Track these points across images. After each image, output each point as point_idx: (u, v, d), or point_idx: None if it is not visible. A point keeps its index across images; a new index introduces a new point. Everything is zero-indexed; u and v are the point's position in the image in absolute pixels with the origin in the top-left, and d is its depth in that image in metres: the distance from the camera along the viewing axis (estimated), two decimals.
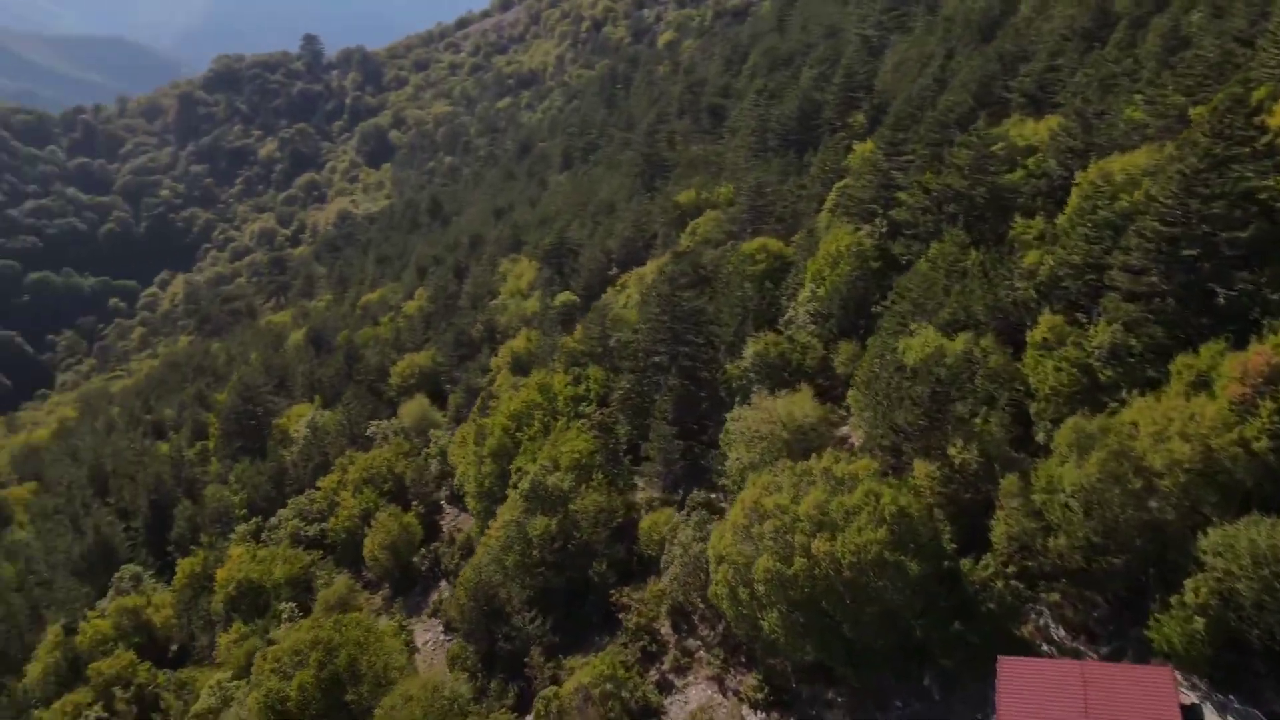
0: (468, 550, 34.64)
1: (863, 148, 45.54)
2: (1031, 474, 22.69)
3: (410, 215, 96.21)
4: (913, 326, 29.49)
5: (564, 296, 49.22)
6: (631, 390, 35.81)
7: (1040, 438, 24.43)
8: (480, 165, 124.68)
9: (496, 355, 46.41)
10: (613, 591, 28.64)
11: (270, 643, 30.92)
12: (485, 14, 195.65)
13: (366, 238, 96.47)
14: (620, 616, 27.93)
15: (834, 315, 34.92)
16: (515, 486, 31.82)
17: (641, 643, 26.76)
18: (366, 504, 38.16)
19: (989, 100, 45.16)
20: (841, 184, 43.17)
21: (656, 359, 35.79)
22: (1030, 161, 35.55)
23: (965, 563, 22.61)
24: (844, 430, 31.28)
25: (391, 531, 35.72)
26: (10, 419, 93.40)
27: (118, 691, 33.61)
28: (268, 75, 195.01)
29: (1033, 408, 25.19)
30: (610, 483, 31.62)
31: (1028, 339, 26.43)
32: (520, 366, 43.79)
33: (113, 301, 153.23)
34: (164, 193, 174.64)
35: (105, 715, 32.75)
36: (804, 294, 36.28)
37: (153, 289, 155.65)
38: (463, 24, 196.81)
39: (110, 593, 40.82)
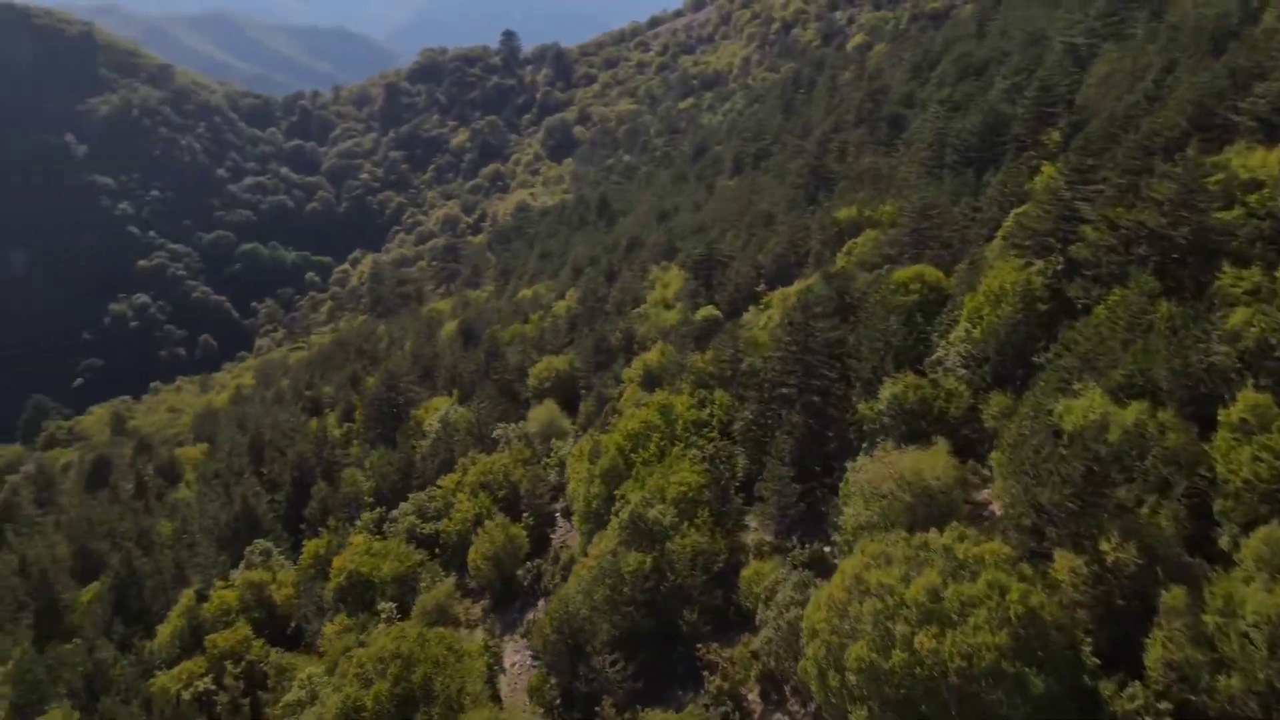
0: (568, 571, 33.37)
1: (1050, 170, 40.79)
2: (1206, 589, 18.56)
3: (579, 212, 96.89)
4: (1077, 386, 25.40)
5: (706, 311, 47.09)
6: (754, 422, 33.35)
7: (1223, 543, 20.02)
8: (655, 165, 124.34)
9: (630, 366, 44.97)
10: (700, 645, 26.40)
11: (363, 643, 30.82)
12: (678, 13, 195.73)
13: (535, 231, 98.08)
14: (705, 675, 25.68)
15: (989, 360, 30.99)
16: (617, 515, 30.17)
17: (724, 708, 24.41)
18: (479, 509, 37.67)
19: (1208, 124, 39.02)
20: (1019, 210, 38.72)
21: (784, 390, 33.16)
22: (1254, 198, 30.03)
23: (1108, 685, 18.74)
24: (985, 493, 27.62)
25: (496, 541, 34.97)
26: (205, 380, 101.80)
27: (229, 665, 34.71)
28: (466, 69, 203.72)
29: (1217, 504, 20.75)
30: (717, 522, 29.33)
31: (1221, 417, 21.84)
32: (651, 381, 42.10)
33: (309, 275, 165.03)
34: (364, 176, 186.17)
35: (214, 688, 33.85)
36: (957, 333, 32.47)
37: (345, 266, 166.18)
38: (655, 23, 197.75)
39: (242, 564, 42.55)
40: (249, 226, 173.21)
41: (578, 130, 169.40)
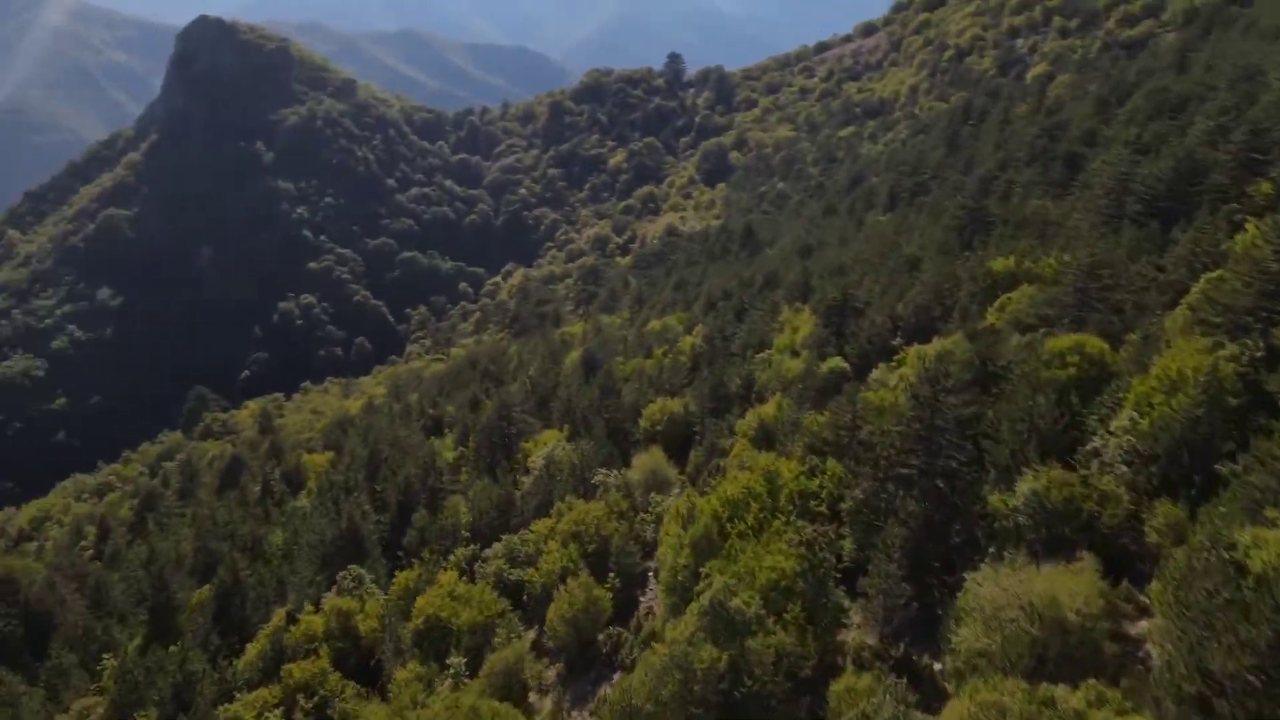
0: (648, 645, 30.48)
1: (1256, 230, 34.71)
2: None
3: (722, 241, 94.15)
4: (1271, 513, 20.44)
5: (833, 362, 43.25)
6: (866, 502, 29.50)
7: None
8: (807, 195, 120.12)
9: (744, 418, 41.74)
10: None
11: (423, 704, 29.05)
12: (847, 39, 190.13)
13: (674, 259, 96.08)
14: None
15: (1158, 460, 25.96)
16: (699, 596, 27.08)
17: None
18: (567, 562, 35.41)
19: None
20: (1212, 276, 33.02)
21: (903, 470, 29.14)
22: None
23: None
24: (1140, 626, 22.80)
25: (577, 602, 32.53)
26: (348, 384, 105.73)
27: (301, 699, 33.87)
28: (629, 90, 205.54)
29: None
30: (810, 618, 25.73)
31: None
32: (765, 437, 38.77)
33: (462, 285, 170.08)
34: (522, 191, 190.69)
35: None
36: (1120, 421, 27.46)
37: (496, 279, 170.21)
38: (822, 48, 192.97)
39: (334, 589, 42.09)
40: (410, 235, 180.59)
41: (734, 155, 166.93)
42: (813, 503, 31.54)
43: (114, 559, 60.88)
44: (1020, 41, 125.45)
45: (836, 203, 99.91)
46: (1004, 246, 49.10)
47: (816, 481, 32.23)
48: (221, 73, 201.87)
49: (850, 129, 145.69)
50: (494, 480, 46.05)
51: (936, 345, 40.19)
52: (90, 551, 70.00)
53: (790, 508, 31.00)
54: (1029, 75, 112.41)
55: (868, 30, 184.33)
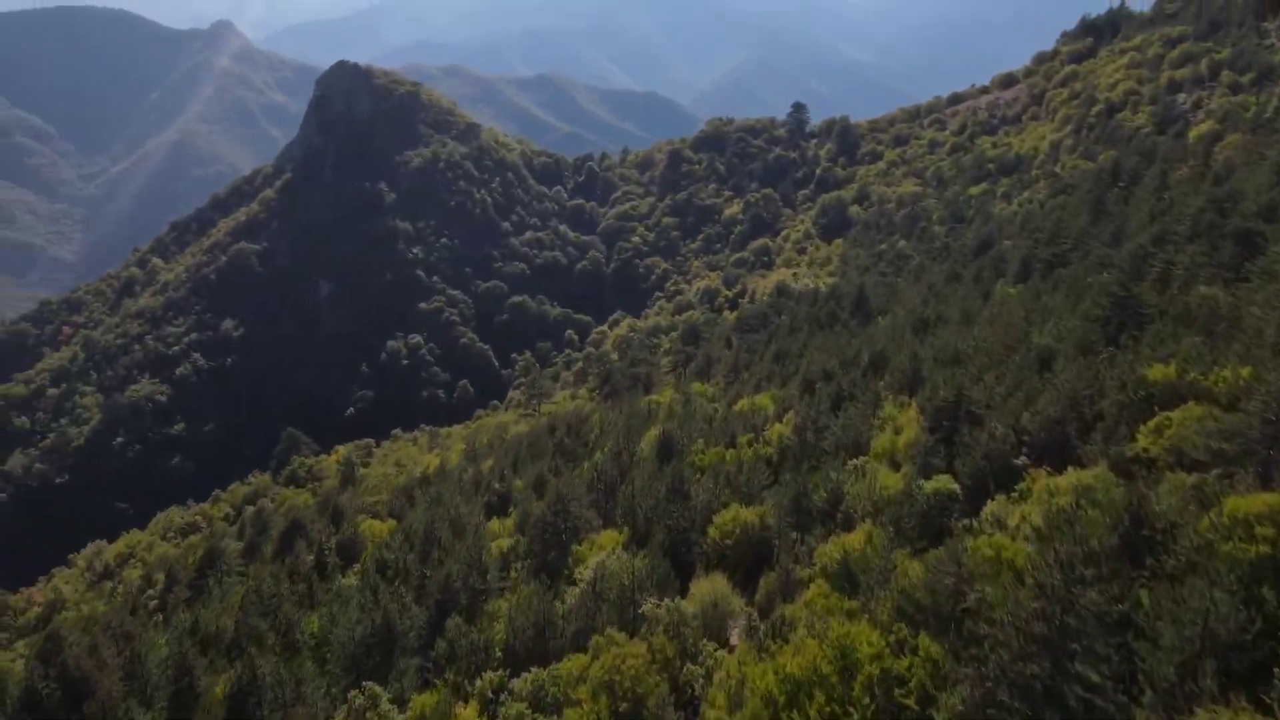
0: None
1: None
2: None
3: (831, 305, 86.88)
4: None
5: (939, 482, 35.84)
6: (976, 708, 22.41)
7: None
8: (930, 257, 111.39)
9: (826, 543, 34.90)
10: None
11: None
12: (983, 90, 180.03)
13: (777, 325, 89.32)
14: None
15: None
16: None
17: None
18: None
19: None
20: None
21: (1029, 669, 22.00)
22: None
23: None
24: None
25: None
26: (433, 435, 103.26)
27: None
28: (749, 139, 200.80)
29: None
30: None
31: None
32: (848, 578, 31.86)
33: (568, 333, 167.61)
34: (635, 239, 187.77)
35: None
36: None
37: (603, 328, 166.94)
38: (955, 100, 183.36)
39: (345, 709, 37.27)
40: (521, 279, 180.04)
41: (853, 210, 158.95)
42: (898, 692, 24.62)
43: (167, 621, 58.49)
44: (1182, 96, 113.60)
45: (961, 268, 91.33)
46: (1161, 347, 40.65)
47: (905, 663, 25.28)
48: (354, 116, 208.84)
49: (982, 186, 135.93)
50: (541, 586, 40.52)
51: (1072, 477, 32.42)
52: (155, 602, 68.47)
53: (867, 700, 24.14)
54: (1191, 134, 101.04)
55: (1006, 82, 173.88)
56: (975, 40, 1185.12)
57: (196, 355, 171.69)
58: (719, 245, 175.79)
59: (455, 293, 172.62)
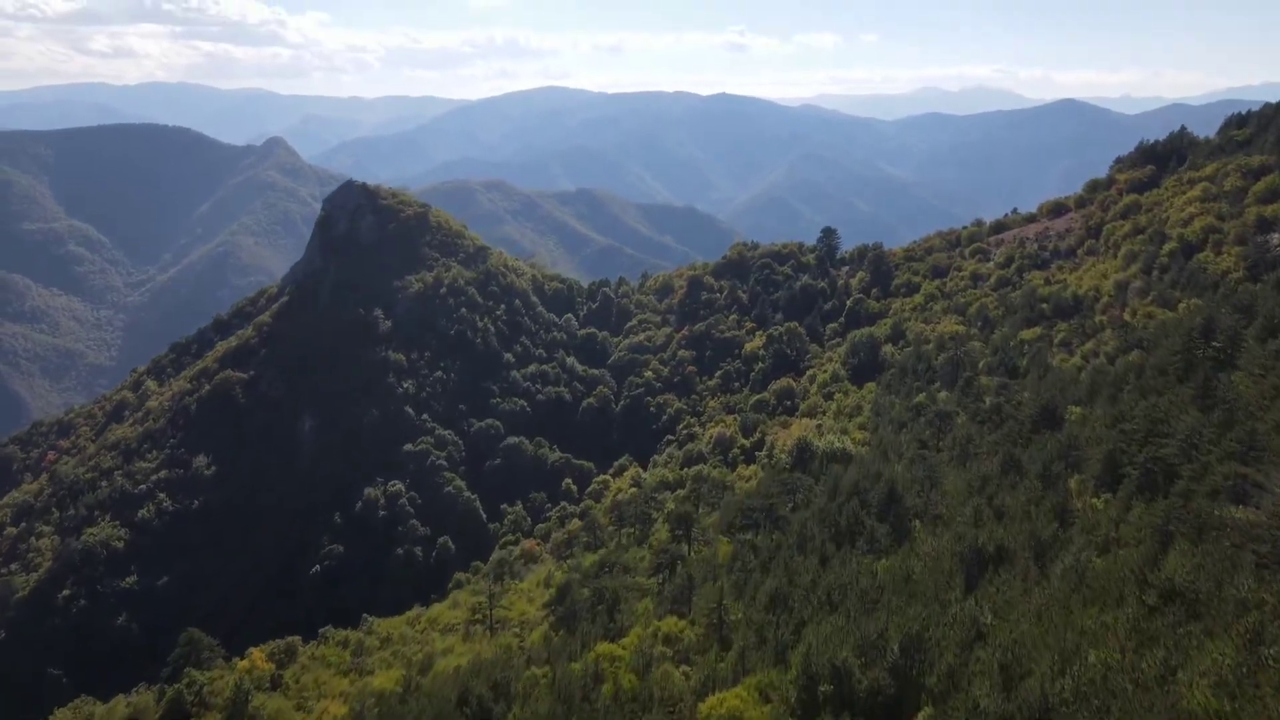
0: None
1: None
2: None
3: (852, 508, 67.87)
4: None
5: None
6: None
7: None
8: (978, 420, 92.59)
9: None
10: None
11: None
12: (1030, 218, 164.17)
13: (788, 528, 70.37)
14: None
15: None
16: None
17: None
18: None
19: None
20: None
21: None
22: None
23: None
24: None
25: None
26: (359, 646, 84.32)
27: None
28: (776, 266, 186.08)
29: None
30: None
31: None
32: None
33: (565, 482, 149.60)
34: (648, 374, 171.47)
35: None
36: None
37: (606, 476, 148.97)
38: (999, 228, 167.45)
39: None
40: (520, 417, 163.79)
41: (887, 349, 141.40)
42: None
43: None
44: (1276, 237, 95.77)
45: (1020, 449, 72.61)
46: None
47: None
48: (358, 236, 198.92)
49: (1035, 330, 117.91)
50: None
51: None
52: None
53: None
54: None
55: (1056, 210, 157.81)
56: (1014, 161, 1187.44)
57: (163, 496, 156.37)
58: (738, 383, 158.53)
59: (445, 433, 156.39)
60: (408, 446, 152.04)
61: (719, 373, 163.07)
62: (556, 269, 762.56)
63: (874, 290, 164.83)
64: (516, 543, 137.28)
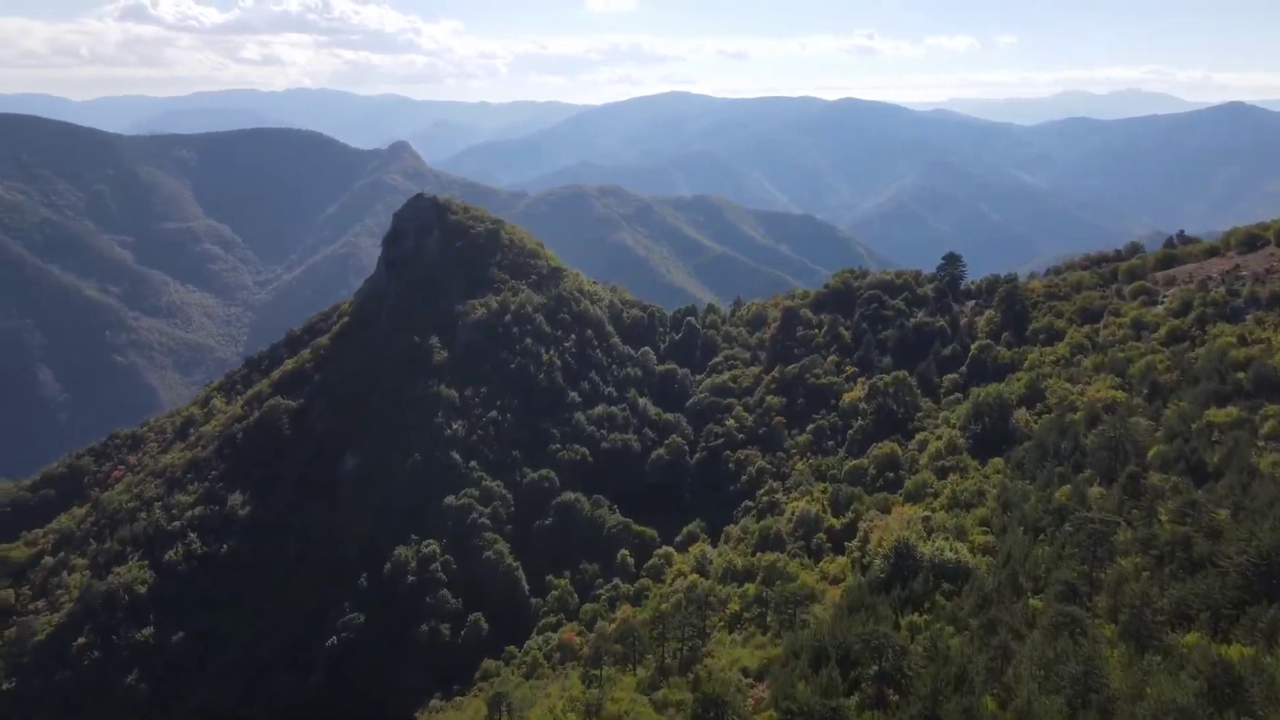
0: None
1: None
2: None
3: (963, 707, 43.91)
4: None
5: None
6: None
7: None
8: (1154, 559, 65.95)
9: None
10: None
11: None
12: (1210, 251, 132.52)
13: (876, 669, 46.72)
14: None
15: None
16: None
17: None
18: None
19: None
20: None
21: None
22: None
23: None
24: None
25: None
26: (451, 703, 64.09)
27: None
28: (886, 299, 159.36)
29: None
30: None
31: None
32: None
33: (621, 554, 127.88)
34: (730, 422, 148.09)
35: None
36: None
37: (668, 549, 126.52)
38: (1168, 260, 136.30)
39: None
40: (579, 469, 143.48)
41: (1020, 415, 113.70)
42: None
43: None
44: None
45: (1240, 635, 47.17)
46: None
47: None
48: (424, 254, 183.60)
49: (1230, 411, 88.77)
50: None
51: None
52: None
53: None
54: None
55: (1249, 242, 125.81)
56: (1169, 171, 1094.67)
57: (193, 537, 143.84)
58: (832, 441, 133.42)
59: (493, 484, 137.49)
60: (449, 499, 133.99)
61: (811, 426, 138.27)
62: (669, 275, 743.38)
63: (1005, 335, 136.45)
64: (557, 625, 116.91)
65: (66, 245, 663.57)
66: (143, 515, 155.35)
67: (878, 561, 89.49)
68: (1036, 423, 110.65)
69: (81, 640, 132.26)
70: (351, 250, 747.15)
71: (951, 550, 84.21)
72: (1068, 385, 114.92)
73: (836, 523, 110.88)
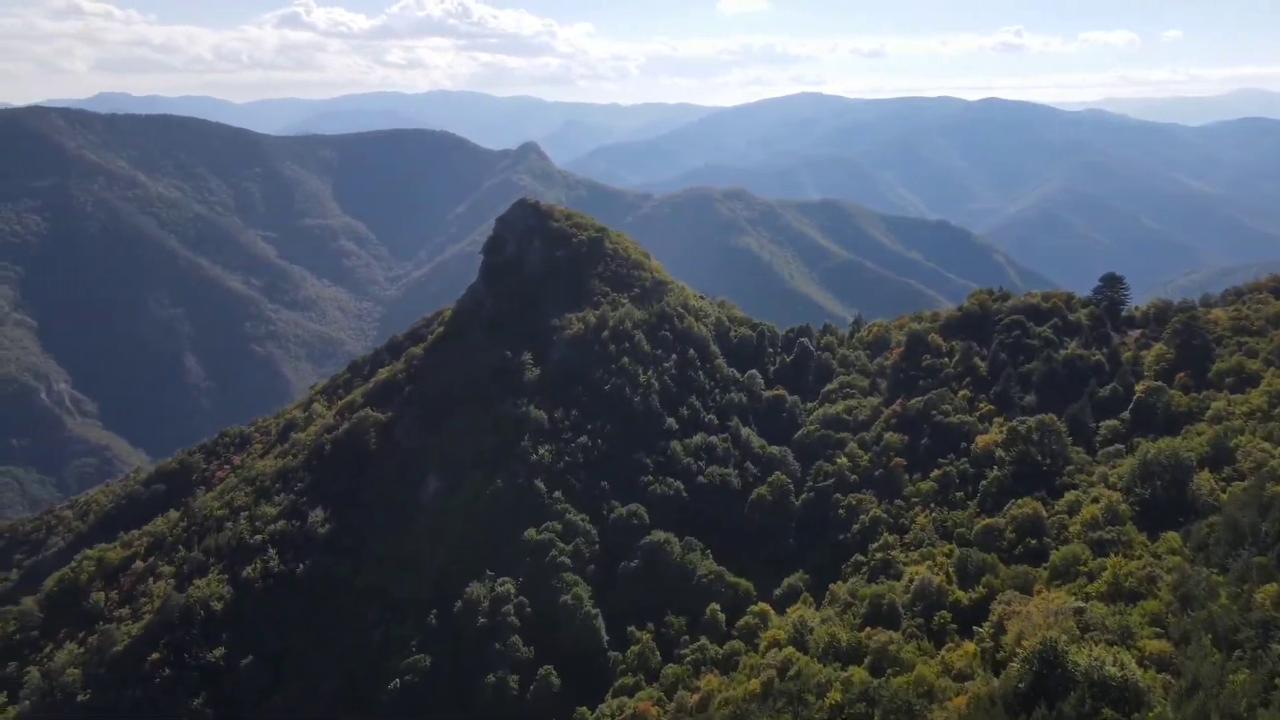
0: None
1: None
2: None
3: None
4: None
5: None
6: None
7: None
8: None
9: None
10: None
11: None
12: None
13: None
14: None
15: None
16: None
17: None
18: None
19: None
20: None
21: None
22: None
23: None
24: None
25: None
26: None
27: None
28: (1029, 324, 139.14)
29: None
30: None
31: None
32: None
33: (711, 609, 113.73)
34: (842, 460, 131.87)
35: None
36: None
37: (764, 606, 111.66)
38: None
39: None
40: (671, 505, 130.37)
41: (1202, 479, 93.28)
42: None
43: None
44: None
45: None
46: None
47: None
48: (524, 264, 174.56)
49: None
50: None
51: None
52: None
53: None
54: None
55: None
56: None
57: (273, 553, 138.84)
58: (961, 492, 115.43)
59: (578, 518, 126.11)
60: (529, 532, 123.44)
61: (936, 472, 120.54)
62: (792, 281, 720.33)
63: (1180, 375, 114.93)
64: (634, 688, 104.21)
65: (215, 240, 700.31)
66: (229, 525, 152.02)
67: (1016, 665, 72.38)
68: (1225, 492, 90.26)
69: (155, 656, 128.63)
70: (476, 250, 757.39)
71: (1115, 665, 66.46)
72: (1266, 446, 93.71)
73: (964, 598, 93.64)
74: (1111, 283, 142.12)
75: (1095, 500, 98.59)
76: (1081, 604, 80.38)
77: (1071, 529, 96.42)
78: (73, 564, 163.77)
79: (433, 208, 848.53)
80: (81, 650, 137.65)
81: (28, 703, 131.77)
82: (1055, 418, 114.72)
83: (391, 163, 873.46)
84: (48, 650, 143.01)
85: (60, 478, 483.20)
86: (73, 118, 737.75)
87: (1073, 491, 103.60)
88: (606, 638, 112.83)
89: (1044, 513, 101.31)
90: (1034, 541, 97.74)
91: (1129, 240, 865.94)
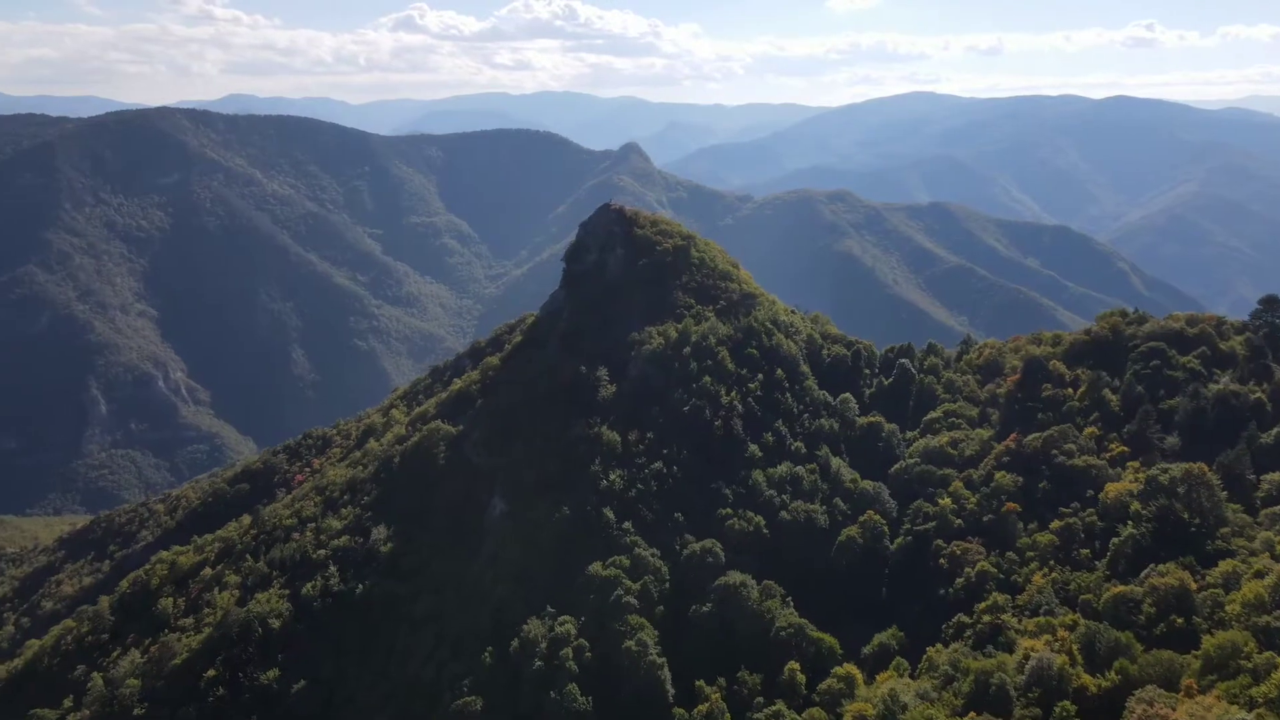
0: None
1: None
2: None
3: None
4: None
5: None
6: None
7: None
8: None
9: None
10: None
11: None
12: None
13: None
14: None
15: None
16: None
17: None
18: None
19: None
20: None
21: None
22: None
23: None
24: None
25: None
26: None
27: None
28: (1171, 353, 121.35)
29: None
30: None
31: None
32: None
33: (790, 668, 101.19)
34: (945, 501, 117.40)
35: None
36: None
37: (850, 668, 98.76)
38: None
39: None
40: (750, 542, 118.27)
41: None
42: None
43: None
44: None
45: None
46: None
47: None
48: (605, 273, 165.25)
49: None
50: None
51: None
52: None
53: None
54: None
55: None
56: None
57: (334, 570, 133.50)
58: (1088, 550, 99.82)
59: (647, 553, 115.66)
60: (594, 566, 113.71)
61: (1057, 523, 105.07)
62: (896, 287, 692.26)
63: None
64: None
65: (325, 236, 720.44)
66: (295, 536, 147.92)
67: None
68: None
69: (211, 673, 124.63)
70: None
71: None
72: None
73: (1092, 685, 78.86)
74: (1272, 305, 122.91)
75: (1259, 574, 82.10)
76: (1246, 716, 65.12)
77: (1229, 609, 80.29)
78: (147, 566, 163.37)
79: (534, 207, 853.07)
80: (144, 659, 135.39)
81: (88, 711, 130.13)
82: (1205, 467, 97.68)
83: (495, 162, 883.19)
84: (114, 655, 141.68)
85: (173, 462, 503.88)
86: (197, 117, 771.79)
87: (1229, 560, 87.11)
88: (672, 691, 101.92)
89: (1192, 584, 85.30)
90: (1180, 620, 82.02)
91: (1272, 248, 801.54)
